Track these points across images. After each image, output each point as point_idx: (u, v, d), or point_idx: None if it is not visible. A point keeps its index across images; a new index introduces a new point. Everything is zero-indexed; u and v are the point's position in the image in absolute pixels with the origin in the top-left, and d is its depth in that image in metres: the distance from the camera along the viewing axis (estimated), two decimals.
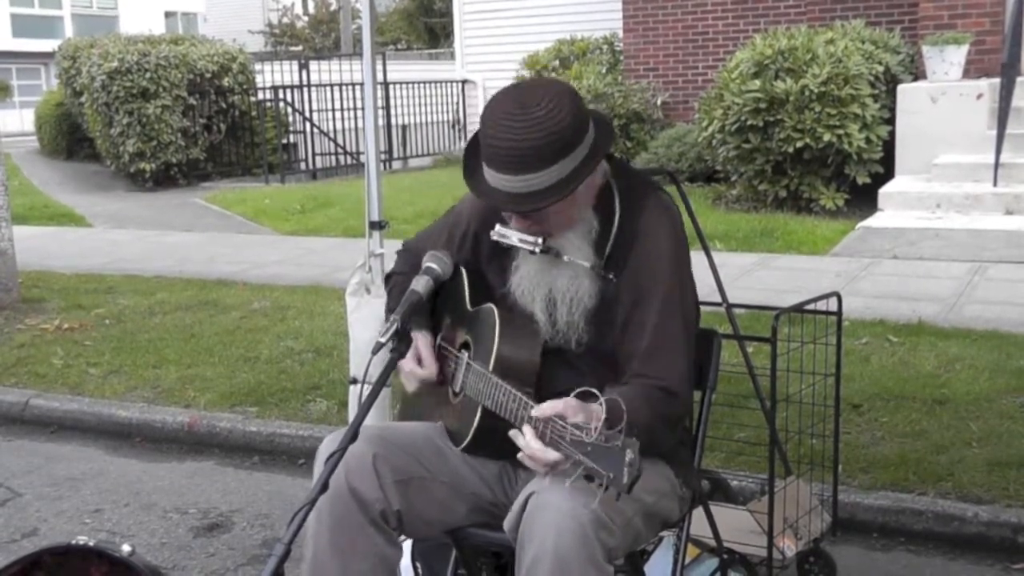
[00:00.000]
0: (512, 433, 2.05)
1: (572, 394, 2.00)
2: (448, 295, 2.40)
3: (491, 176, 2.15)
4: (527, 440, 2.00)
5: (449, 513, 2.33)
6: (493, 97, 2.19)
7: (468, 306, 2.38)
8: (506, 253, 2.33)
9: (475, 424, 2.24)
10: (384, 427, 2.40)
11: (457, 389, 2.36)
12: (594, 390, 1.97)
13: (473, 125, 14.06)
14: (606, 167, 2.29)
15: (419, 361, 2.36)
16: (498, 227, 2.26)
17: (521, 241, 2.23)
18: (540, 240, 2.21)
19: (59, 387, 5.35)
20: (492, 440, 2.18)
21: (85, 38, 15.36)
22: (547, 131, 2.07)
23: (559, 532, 1.97)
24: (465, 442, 2.29)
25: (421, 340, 2.37)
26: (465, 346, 2.37)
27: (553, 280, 2.25)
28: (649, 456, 2.23)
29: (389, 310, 2.50)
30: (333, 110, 14.75)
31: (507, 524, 2.10)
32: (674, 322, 2.21)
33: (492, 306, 2.30)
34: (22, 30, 40.87)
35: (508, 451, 2.06)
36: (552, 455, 1.96)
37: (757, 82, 9.11)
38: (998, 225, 7.95)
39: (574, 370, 2.25)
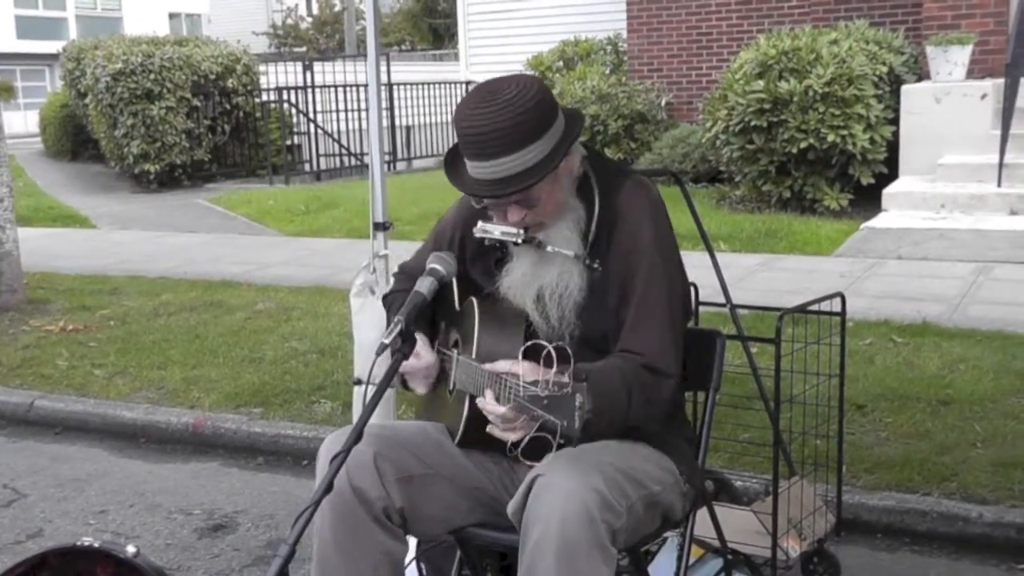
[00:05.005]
0: (478, 401, 2.09)
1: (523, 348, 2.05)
2: (442, 302, 2.41)
3: (471, 167, 2.19)
4: (486, 398, 2.06)
5: (452, 510, 2.33)
6: (464, 96, 2.23)
7: (456, 307, 2.41)
8: (490, 253, 2.35)
9: (464, 415, 2.25)
10: (384, 426, 2.41)
11: (451, 387, 2.38)
12: (545, 343, 1.98)
13: None
14: (584, 154, 2.31)
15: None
16: (480, 223, 2.29)
17: (503, 234, 2.26)
18: (521, 231, 2.23)
19: (64, 388, 5.35)
20: (483, 429, 2.19)
21: (89, 39, 15.37)
22: (516, 112, 2.12)
23: (564, 514, 1.98)
24: (459, 436, 2.30)
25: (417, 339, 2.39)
26: (456, 345, 2.40)
27: (542, 277, 2.27)
28: (645, 440, 2.25)
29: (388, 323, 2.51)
30: (337, 111, 14.76)
31: (511, 507, 2.11)
32: (657, 296, 2.22)
33: (472, 299, 2.33)
34: (26, 31, 40.90)
35: (500, 442, 2.09)
36: (501, 409, 2.01)
37: (761, 83, 9.11)
38: (1003, 225, 7.94)
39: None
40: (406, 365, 2.36)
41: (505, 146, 2.12)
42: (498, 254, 2.34)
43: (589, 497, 1.99)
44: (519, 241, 2.24)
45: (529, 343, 2.06)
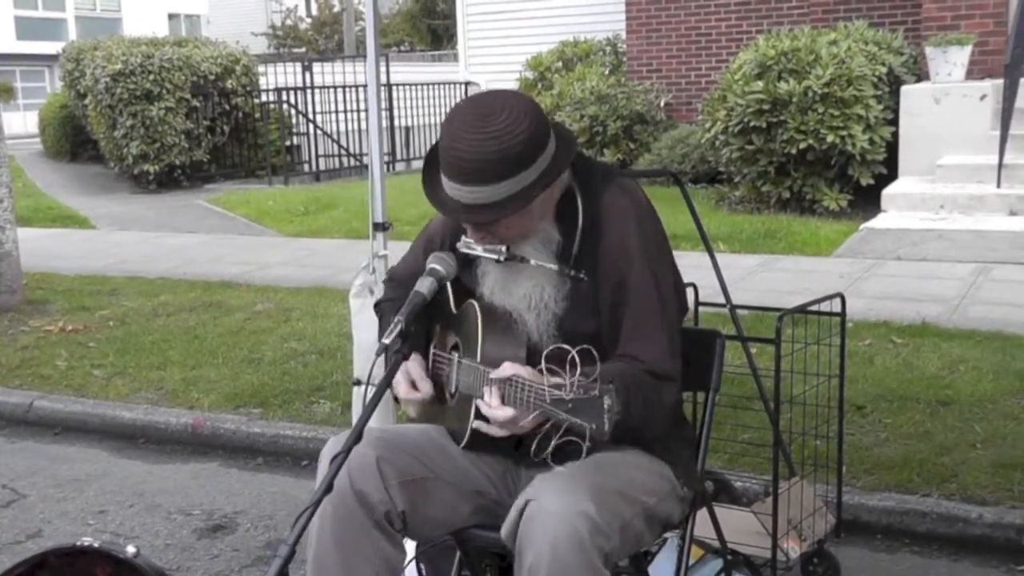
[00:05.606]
0: (479, 403, 2.08)
1: (545, 352, 2.01)
2: (436, 305, 2.40)
3: (447, 186, 2.18)
4: (486, 399, 2.04)
5: (453, 513, 2.33)
6: (454, 107, 2.21)
7: (453, 309, 2.40)
8: (475, 261, 2.34)
9: (472, 418, 2.24)
10: (386, 429, 2.40)
11: (453, 390, 2.37)
12: (566, 346, 1.97)
13: None
14: (567, 176, 2.28)
15: (413, 386, 2.35)
16: (463, 238, 2.29)
17: (486, 251, 2.25)
18: (504, 248, 2.23)
19: (63, 388, 5.35)
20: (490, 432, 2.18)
21: (89, 40, 15.36)
22: (504, 145, 2.08)
23: (555, 539, 1.97)
24: (465, 439, 2.29)
25: (412, 364, 2.35)
26: (455, 348, 2.39)
27: (518, 289, 2.26)
28: (641, 445, 2.25)
29: (380, 331, 2.48)
30: (336, 112, 14.76)
31: (504, 531, 2.11)
32: (650, 301, 2.21)
33: (473, 302, 2.32)
34: (26, 32, 40.88)
35: (507, 445, 2.08)
36: (505, 412, 2.01)
37: (760, 83, 9.11)
38: (1002, 226, 7.95)
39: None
40: (403, 395, 2.33)
41: (483, 178, 2.10)
42: (480, 264, 2.34)
43: (579, 522, 1.99)
44: (502, 259, 2.24)
45: (553, 347, 2.04)
